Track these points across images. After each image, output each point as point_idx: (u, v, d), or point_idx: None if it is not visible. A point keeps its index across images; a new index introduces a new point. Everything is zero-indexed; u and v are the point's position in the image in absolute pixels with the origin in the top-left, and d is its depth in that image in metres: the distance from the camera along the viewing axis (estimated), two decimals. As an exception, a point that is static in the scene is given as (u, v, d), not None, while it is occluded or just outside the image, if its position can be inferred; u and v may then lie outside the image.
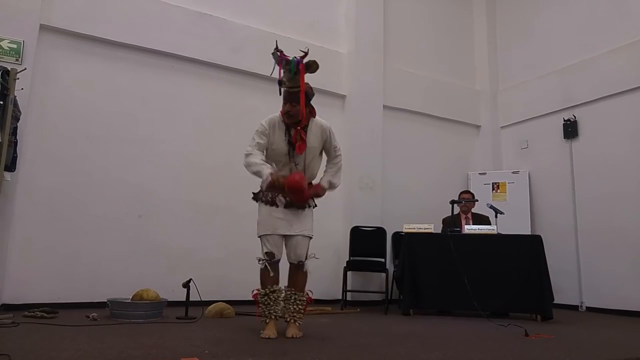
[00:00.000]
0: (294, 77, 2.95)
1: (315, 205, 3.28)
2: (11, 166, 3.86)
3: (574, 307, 5.69)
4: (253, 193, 3.21)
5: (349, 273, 5.29)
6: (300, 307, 3.11)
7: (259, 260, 3.08)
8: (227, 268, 4.99)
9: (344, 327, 3.80)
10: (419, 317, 4.51)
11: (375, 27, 6.39)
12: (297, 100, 2.97)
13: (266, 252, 3.07)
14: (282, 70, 2.98)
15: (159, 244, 4.73)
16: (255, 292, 3.11)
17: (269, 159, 3.13)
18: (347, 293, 5.24)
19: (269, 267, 3.04)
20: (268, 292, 3.05)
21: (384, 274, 5.28)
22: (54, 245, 4.31)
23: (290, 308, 3.09)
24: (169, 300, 3.98)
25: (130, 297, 3.86)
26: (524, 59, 6.98)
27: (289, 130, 3.08)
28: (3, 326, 3.12)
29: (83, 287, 4.32)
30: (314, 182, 3.20)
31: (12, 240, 4.11)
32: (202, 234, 4.95)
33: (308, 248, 3.18)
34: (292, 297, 3.10)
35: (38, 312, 3.60)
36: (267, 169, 2.93)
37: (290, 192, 2.92)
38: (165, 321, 3.64)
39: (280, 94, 3.05)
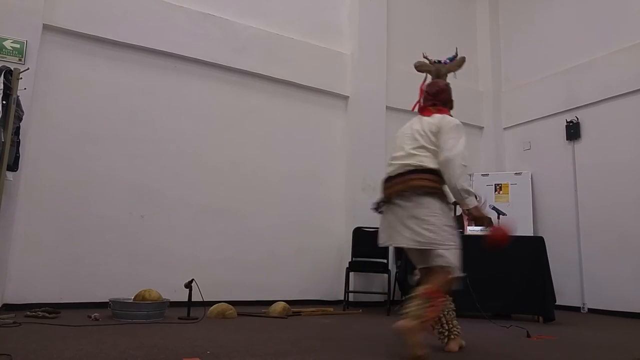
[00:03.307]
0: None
1: None
2: (14, 166, 3.86)
3: (576, 309, 5.67)
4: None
5: (351, 274, 5.28)
6: None
7: (460, 275, 2.85)
8: (230, 269, 5.00)
9: (346, 327, 3.80)
10: (421, 319, 4.50)
11: (379, 28, 6.38)
12: None
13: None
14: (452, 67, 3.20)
15: (162, 244, 4.73)
16: (437, 293, 2.73)
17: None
18: (350, 294, 5.23)
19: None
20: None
21: (386, 275, 5.26)
22: (56, 245, 4.31)
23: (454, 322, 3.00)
24: (171, 300, 3.98)
25: (133, 297, 3.87)
26: (526, 60, 6.97)
27: None
28: (5, 326, 3.12)
29: (85, 287, 4.32)
30: None
31: (14, 239, 4.11)
32: (205, 234, 4.95)
33: None
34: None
35: (40, 312, 3.61)
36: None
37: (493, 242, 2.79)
38: (167, 322, 3.64)
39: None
